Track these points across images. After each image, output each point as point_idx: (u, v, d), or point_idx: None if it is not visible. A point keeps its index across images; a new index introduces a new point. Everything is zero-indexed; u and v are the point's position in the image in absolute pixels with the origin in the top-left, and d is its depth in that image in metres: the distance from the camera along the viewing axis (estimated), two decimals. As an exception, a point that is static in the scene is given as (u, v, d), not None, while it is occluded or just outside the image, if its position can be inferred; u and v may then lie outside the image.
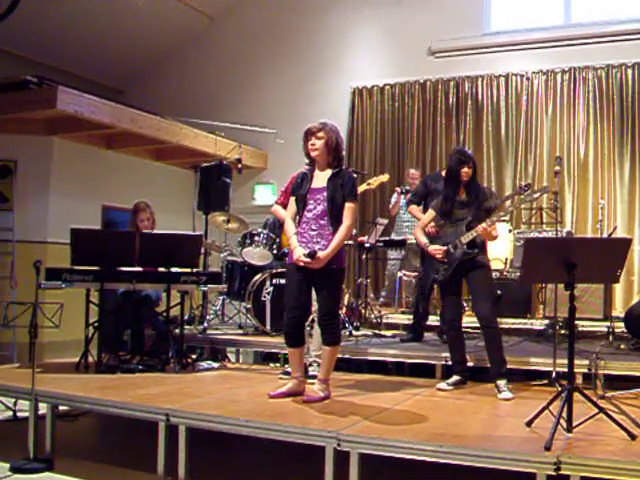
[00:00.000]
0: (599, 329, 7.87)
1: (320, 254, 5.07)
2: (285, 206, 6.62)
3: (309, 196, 5.27)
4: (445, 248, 5.80)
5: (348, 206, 5.20)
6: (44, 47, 11.88)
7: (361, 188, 7.23)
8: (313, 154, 5.25)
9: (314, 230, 5.20)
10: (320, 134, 5.21)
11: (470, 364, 6.09)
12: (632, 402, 5.23)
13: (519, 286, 8.69)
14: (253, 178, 12.94)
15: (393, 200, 9.97)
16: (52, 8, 11.27)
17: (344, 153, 5.45)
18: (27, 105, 9.62)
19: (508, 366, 5.72)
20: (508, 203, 5.61)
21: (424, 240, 6.01)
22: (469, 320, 6.98)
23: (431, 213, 6.11)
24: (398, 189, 9.84)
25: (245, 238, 7.97)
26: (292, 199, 5.42)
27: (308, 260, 5.06)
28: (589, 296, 8.14)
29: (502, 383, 5.54)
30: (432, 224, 6.86)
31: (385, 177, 7.64)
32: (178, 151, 11.95)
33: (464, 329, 6.19)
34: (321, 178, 5.28)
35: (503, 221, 5.78)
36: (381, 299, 10.64)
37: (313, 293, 5.37)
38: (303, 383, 5.44)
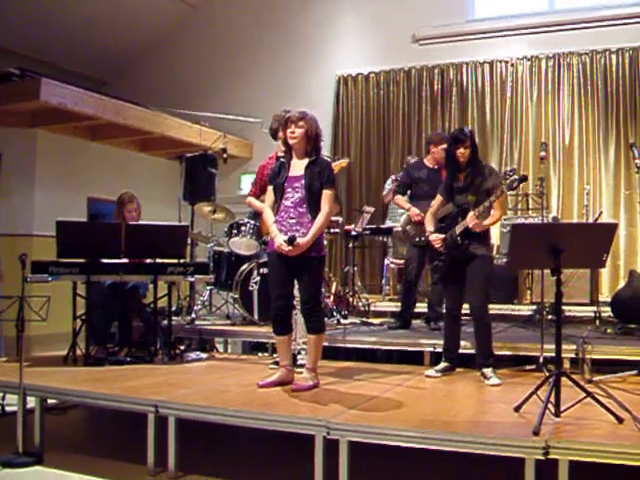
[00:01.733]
0: (586, 314, 7.92)
1: (299, 240, 5.08)
2: (259, 197, 6.66)
3: (287, 184, 5.28)
4: (443, 237, 5.77)
5: (326, 193, 5.22)
6: (26, 39, 11.78)
7: None
8: (292, 142, 5.26)
9: (293, 218, 5.21)
10: (301, 123, 5.22)
11: (460, 350, 6.10)
12: (619, 386, 5.27)
13: (506, 272, 8.73)
14: (239, 168, 12.89)
15: (387, 187, 9.96)
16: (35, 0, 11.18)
17: (322, 144, 5.44)
18: (10, 97, 9.55)
19: (496, 352, 5.75)
20: (493, 197, 5.50)
21: (429, 228, 5.97)
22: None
23: (438, 198, 6.00)
24: (394, 176, 9.82)
25: (231, 228, 7.94)
26: (270, 188, 5.43)
27: (288, 248, 5.07)
28: (576, 281, 8.18)
29: (488, 370, 5.56)
30: (418, 212, 6.91)
31: (344, 162, 7.58)
32: (163, 142, 11.90)
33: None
34: (299, 166, 5.29)
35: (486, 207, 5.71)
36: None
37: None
38: (292, 372, 5.47)
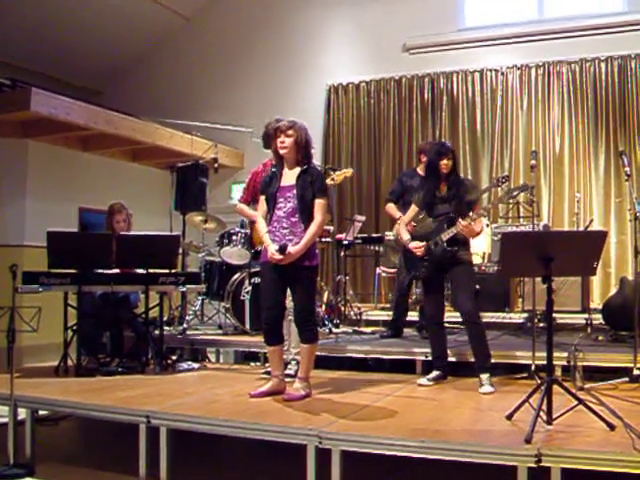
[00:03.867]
0: (577, 321, 7.95)
1: (291, 249, 5.09)
2: (249, 204, 6.65)
3: (279, 194, 5.28)
4: (424, 244, 5.81)
5: (318, 202, 5.23)
6: (18, 49, 11.77)
7: None
8: (282, 152, 5.27)
9: (286, 228, 5.22)
10: (290, 132, 5.23)
11: (451, 359, 6.11)
12: (611, 393, 5.27)
13: (497, 280, 8.74)
14: (229, 177, 12.87)
15: None
16: (26, 9, 11.17)
17: (313, 151, 5.45)
18: (1, 108, 9.53)
19: (491, 359, 5.75)
20: (485, 202, 5.59)
21: (406, 236, 6.00)
22: (448, 315, 7.00)
23: (414, 209, 6.07)
24: None
25: (223, 238, 7.96)
26: (262, 198, 5.43)
27: (280, 257, 5.07)
28: (567, 289, 8.19)
29: (485, 377, 5.56)
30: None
31: (349, 172, 7.62)
32: (154, 152, 11.89)
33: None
34: (290, 176, 5.30)
35: (482, 215, 5.78)
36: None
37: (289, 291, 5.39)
38: (283, 382, 5.45)
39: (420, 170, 7.57)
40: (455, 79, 11.60)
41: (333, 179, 7.41)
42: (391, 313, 8.00)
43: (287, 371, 5.86)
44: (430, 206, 5.88)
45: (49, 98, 9.56)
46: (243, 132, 11.68)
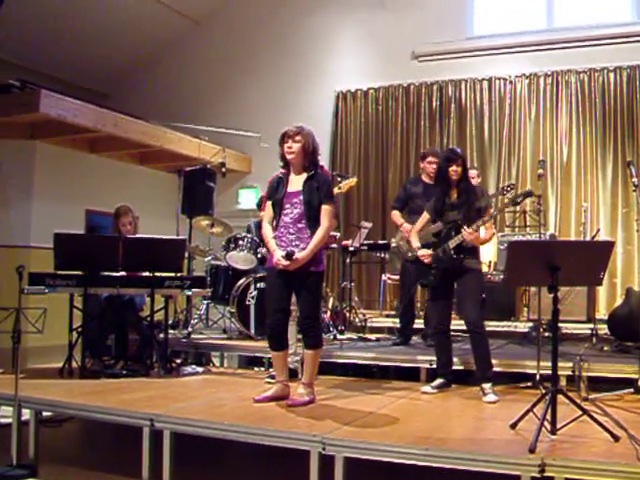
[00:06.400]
0: (583, 331, 7.93)
1: (297, 255, 5.09)
2: None
3: (285, 200, 5.29)
4: (431, 252, 5.80)
5: (325, 208, 5.23)
6: (27, 51, 11.81)
7: None
8: (289, 157, 5.27)
9: (292, 234, 5.22)
10: (297, 137, 5.24)
11: (456, 367, 6.10)
12: (615, 404, 5.26)
13: (503, 289, 8.72)
14: (237, 182, 12.90)
15: None
16: (35, 11, 11.20)
17: (320, 158, 5.45)
18: (9, 109, 9.54)
19: (493, 369, 5.74)
20: (492, 210, 5.59)
21: (416, 243, 5.99)
22: (454, 323, 7.00)
23: (425, 216, 6.06)
24: None
25: (229, 242, 7.95)
26: (269, 203, 5.43)
27: (287, 263, 5.07)
28: (572, 298, 8.17)
29: (487, 386, 5.56)
30: (410, 227, 6.93)
31: (353, 181, 7.63)
32: (162, 155, 11.90)
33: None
34: (297, 182, 5.30)
35: (485, 222, 5.77)
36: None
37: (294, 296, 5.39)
38: (288, 387, 5.45)
39: (424, 177, 7.55)
40: (463, 87, 11.60)
41: (340, 187, 7.41)
42: (397, 320, 7.99)
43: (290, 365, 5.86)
44: (440, 213, 5.87)
45: (58, 100, 9.56)
46: (251, 137, 11.68)
